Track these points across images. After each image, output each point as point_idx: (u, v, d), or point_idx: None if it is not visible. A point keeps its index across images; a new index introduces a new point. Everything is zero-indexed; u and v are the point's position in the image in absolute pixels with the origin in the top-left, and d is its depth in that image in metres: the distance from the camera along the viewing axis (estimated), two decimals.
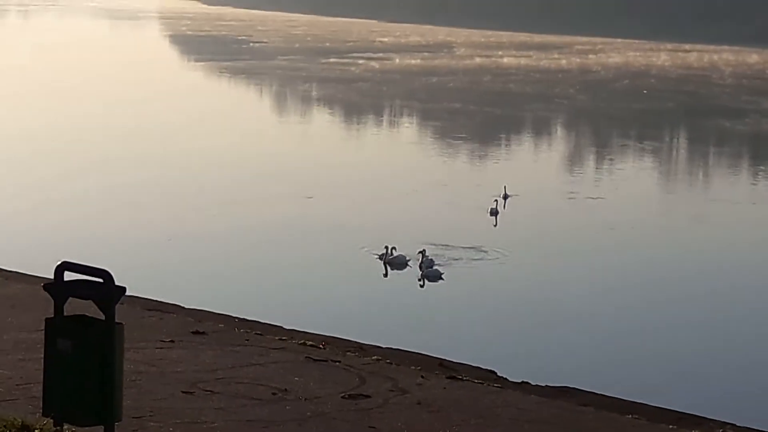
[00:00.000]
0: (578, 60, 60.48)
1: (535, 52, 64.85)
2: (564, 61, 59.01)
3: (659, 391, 9.49)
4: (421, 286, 13.99)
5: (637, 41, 75.97)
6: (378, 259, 14.52)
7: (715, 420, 8.12)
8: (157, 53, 62.12)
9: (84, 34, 73.75)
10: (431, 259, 14.07)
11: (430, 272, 13.86)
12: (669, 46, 73.23)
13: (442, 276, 13.86)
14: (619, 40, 76.92)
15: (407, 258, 14.41)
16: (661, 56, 64.79)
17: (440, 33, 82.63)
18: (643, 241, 17.64)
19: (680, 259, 16.45)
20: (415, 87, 43.87)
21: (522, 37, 79.75)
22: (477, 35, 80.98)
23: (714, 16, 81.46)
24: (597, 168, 26.51)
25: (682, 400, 9.02)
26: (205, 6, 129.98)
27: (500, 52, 63.98)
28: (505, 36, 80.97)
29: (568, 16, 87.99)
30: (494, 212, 17.73)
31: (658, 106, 39.36)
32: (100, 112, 32.71)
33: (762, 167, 27.77)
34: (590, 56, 63.22)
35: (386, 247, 14.30)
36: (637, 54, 65.80)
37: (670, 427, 7.44)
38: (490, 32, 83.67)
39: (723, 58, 64.19)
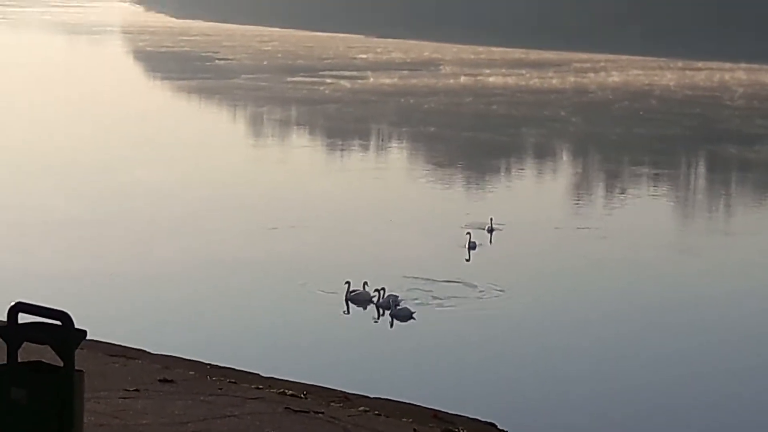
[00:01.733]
0: (574, 79, 60.68)
1: (527, 70, 65.53)
2: (557, 80, 59.39)
3: None
4: (388, 326, 13.96)
5: (644, 58, 76.43)
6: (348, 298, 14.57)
7: None
8: (108, 73, 62.45)
9: (30, 51, 74.48)
10: (395, 296, 14.04)
11: (400, 311, 13.79)
12: (679, 63, 73.77)
13: (413, 315, 13.82)
14: (624, 57, 77.52)
15: (372, 296, 14.35)
16: (666, 75, 65.24)
17: (427, 49, 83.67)
18: (643, 276, 17.77)
19: (681, 296, 16.60)
20: (386, 109, 44.22)
21: (517, 53, 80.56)
22: (467, 51, 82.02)
23: (730, 30, 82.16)
24: (589, 198, 26.59)
25: None
26: (172, 19, 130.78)
27: (488, 71, 64.54)
28: (498, 53, 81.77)
29: (569, 30, 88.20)
30: (472, 246, 17.84)
31: (659, 131, 39.64)
32: (48, 137, 33.13)
33: None
34: (589, 75, 63.67)
35: (348, 283, 14.23)
36: (642, 72, 66.46)
37: None
38: (481, 48, 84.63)
39: (736, 77, 64.52)
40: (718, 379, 12.96)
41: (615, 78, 61.73)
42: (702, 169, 33.72)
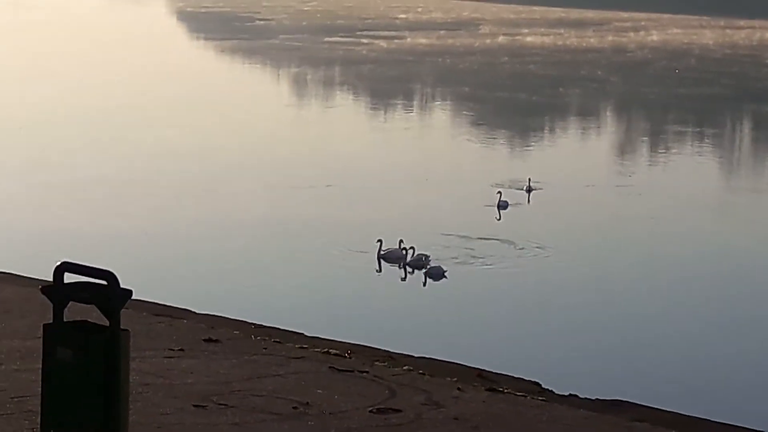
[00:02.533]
0: (613, 38, 60.33)
1: (567, 30, 65.30)
2: (595, 40, 58.97)
3: (723, 406, 9.40)
4: (424, 285, 14.09)
5: (686, 17, 75.75)
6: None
7: None
8: (148, 32, 63.17)
9: (68, 13, 75.07)
10: (426, 255, 14.15)
11: (432, 269, 13.93)
12: (722, 22, 72.98)
13: (445, 274, 13.93)
14: (666, 15, 76.75)
15: (405, 253, 14.45)
16: (707, 33, 64.48)
17: (467, 8, 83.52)
18: (680, 233, 17.68)
19: (732, 257, 16.41)
20: (422, 69, 44.41)
21: (557, 13, 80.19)
22: (507, 11, 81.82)
23: None
24: (625, 157, 26.57)
25: (750, 415, 9.01)
26: None
27: (527, 30, 64.32)
28: (539, 12, 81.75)
29: None
30: (502, 206, 17.80)
31: (695, 90, 39.31)
32: (90, 97, 33.75)
33: None
34: (629, 34, 63.07)
35: (380, 241, 14.29)
36: (682, 31, 65.70)
37: None
38: (522, 8, 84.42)
39: None
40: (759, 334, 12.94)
41: (654, 37, 61.01)
42: (739, 128, 33.49)
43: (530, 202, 18.81)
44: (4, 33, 55.17)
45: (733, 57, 51.24)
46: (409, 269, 14.25)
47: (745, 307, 13.90)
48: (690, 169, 24.54)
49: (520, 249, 15.57)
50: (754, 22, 70.12)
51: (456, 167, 23.25)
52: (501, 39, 57.25)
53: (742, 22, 70.82)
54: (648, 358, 11.74)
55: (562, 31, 63.43)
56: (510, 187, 19.38)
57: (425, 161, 24.02)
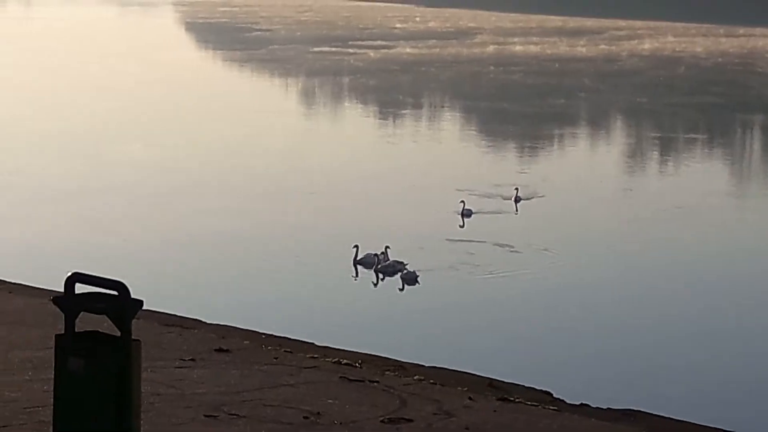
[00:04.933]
0: (606, 47, 60.60)
1: (561, 38, 65.69)
2: (587, 48, 59.22)
3: (737, 415, 9.34)
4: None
5: (685, 25, 76.21)
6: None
7: None
8: (151, 42, 64.45)
9: (77, 24, 76.97)
10: (400, 262, 14.43)
11: (406, 275, 14.25)
12: (720, 30, 73.21)
13: (418, 279, 14.23)
14: (664, 23, 77.19)
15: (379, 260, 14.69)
16: (702, 41, 64.78)
17: (465, 17, 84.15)
18: (695, 243, 17.77)
19: (745, 264, 16.49)
20: (411, 79, 44.67)
21: (555, 21, 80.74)
22: (505, 19, 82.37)
23: None
24: (612, 168, 26.58)
25: (762, 426, 8.99)
26: None
27: (516, 39, 64.68)
28: (536, 20, 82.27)
29: None
30: (466, 214, 17.98)
31: (684, 98, 39.35)
32: (92, 106, 34.20)
33: None
34: (623, 42, 63.37)
35: (356, 247, 14.46)
36: (676, 39, 65.86)
37: None
38: (521, 16, 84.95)
39: None
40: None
41: (648, 45, 61.35)
42: (725, 136, 33.67)
43: (518, 212, 18.95)
44: (14, 42, 56.34)
45: (725, 65, 51.79)
46: (378, 276, 14.57)
47: (761, 315, 13.98)
48: (674, 176, 25.11)
49: (521, 254, 15.67)
50: (754, 30, 70.38)
51: (442, 175, 23.51)
52: (492, 48, 57.77)
53: (741, 30, 71.20)
54: (661, 367, 11.67)
55: (555, 39, 63.87)
56: (496, 196, 19.82)
57: (407, 169, 24.46)
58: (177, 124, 30.86)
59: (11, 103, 34.66)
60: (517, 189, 19.32)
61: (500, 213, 19.05)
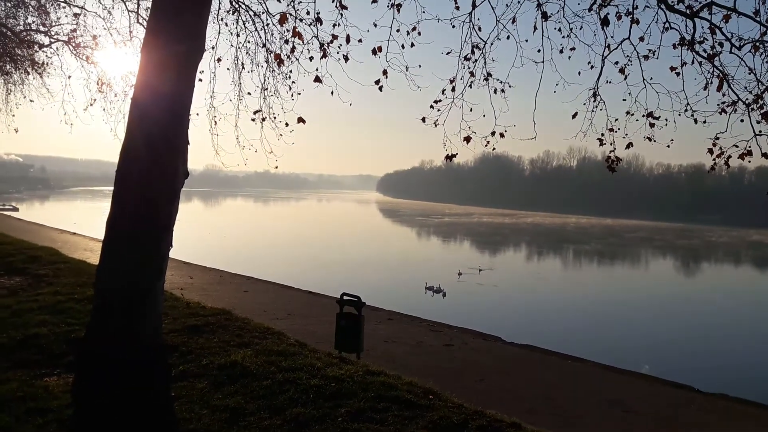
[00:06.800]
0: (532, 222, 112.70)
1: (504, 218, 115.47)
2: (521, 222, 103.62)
3: None
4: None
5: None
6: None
7: None
8: (364, 217, 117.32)
9: (333, 207, 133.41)
10: (439, 288, 33.84)
11: (442, 291, 32.47)
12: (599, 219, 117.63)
13: (445, 293, 32.65)
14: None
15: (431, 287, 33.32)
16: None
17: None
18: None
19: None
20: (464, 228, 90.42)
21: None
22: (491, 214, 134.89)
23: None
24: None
25: None
26: (399, 200, 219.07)
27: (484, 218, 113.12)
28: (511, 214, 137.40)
29: None
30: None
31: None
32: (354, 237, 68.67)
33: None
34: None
35: (426, 283, 33.97)
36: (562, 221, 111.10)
37: None
38: (507, 211, 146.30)
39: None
40: None
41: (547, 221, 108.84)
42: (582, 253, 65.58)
43: (480, 273, 41.02)
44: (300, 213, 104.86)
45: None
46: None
47: None
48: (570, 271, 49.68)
49: (484, 287, 35.92)
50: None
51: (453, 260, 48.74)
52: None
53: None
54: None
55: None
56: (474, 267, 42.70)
57: (447, 257, 50.84)
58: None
59: (292, 232, 65.66)
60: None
61: (474, 275, 37.59)
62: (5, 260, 18.41)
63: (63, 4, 21.74)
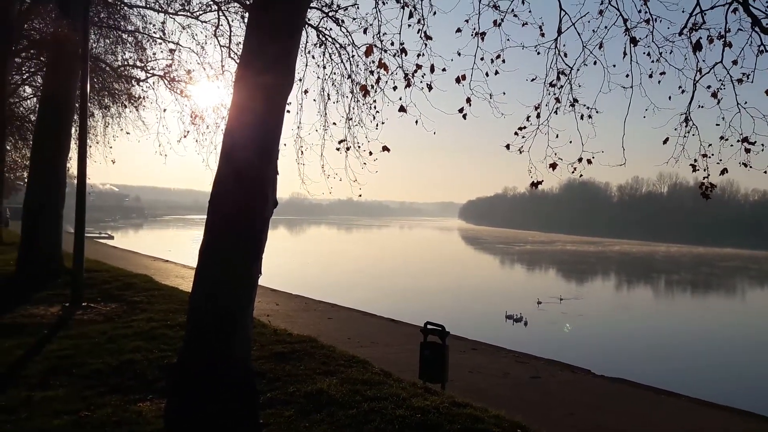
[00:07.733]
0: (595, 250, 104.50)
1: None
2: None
3: None
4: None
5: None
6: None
7: None
8: (443, 243, 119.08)
9: (412, 238, 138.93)
10: (520, 317, 31.38)
11: (523, 320, 30.83)
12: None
13: (527, 322, 30.77)
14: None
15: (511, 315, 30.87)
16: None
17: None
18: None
19: None
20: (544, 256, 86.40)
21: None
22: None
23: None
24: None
25: None
26: (480, 227, 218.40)
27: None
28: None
29: None
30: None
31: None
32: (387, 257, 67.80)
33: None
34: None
35: (506, 312, 31.00)
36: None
37: None
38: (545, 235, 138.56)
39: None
40: None
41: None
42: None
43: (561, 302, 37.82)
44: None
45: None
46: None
47: None
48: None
49: (565, 315, 32.56)
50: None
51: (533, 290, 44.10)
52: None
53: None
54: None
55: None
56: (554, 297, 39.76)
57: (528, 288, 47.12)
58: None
59: (374, 259, 63.85)
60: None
61: (554, 303, 35.76)
62: (102, 287, 19.01)
63: (159, 41, 22.47)
